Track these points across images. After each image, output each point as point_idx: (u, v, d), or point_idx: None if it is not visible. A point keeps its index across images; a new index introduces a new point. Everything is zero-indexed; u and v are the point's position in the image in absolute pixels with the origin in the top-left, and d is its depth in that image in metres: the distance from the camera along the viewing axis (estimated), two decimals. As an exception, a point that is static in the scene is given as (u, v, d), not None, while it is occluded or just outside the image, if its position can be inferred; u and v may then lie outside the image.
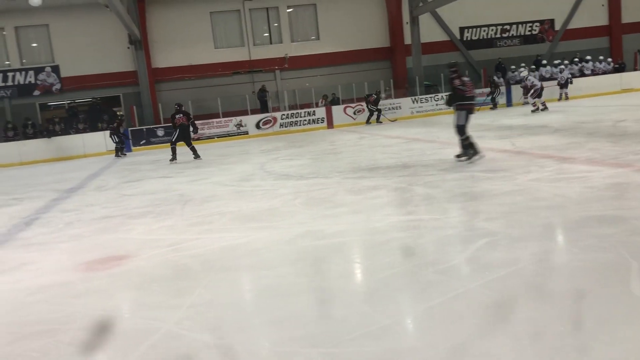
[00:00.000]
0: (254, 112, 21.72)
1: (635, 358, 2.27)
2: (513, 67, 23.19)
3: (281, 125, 21.03)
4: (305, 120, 21.06)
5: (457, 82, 7.92)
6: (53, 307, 3.59)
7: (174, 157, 13.37)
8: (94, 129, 20.56)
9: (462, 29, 26.01)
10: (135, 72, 22.18)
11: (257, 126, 20.83)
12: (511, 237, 4.05)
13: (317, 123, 21.13)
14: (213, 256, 4.42)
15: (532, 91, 17.82)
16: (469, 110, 8.05)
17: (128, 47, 22.00)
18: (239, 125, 20.64)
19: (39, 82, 21.81)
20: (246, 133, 20.64)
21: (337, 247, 4.40)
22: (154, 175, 10.93)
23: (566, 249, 3.86)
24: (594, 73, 23.97)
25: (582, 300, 2.84)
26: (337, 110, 21.42)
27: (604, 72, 24.00)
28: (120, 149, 17.84)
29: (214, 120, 20.60)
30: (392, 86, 23.89)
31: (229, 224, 5.61)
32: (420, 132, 14.92)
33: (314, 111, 21.32)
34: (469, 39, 26.17)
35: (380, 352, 2.48)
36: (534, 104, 17.81)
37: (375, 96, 20.92)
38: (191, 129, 13.64)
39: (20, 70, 21.74)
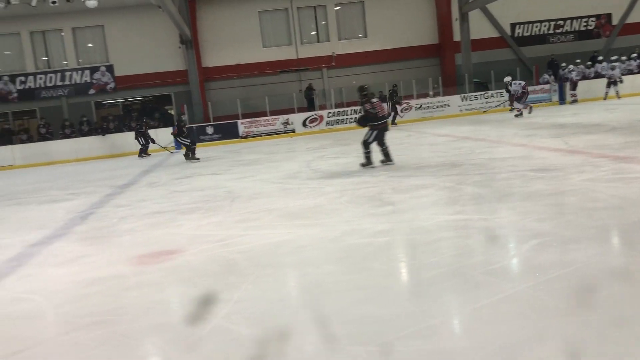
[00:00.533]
0: (300, 110, 21.86)
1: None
2: (564, 64, 22.49)
3: (327, 123, 21.08)
4: (352, 118, 21.03)
5: (367, 106, 9.02)
6: (107, 299, 3.72)
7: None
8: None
9: (513, 25, 25.41)
10: (185, 71, 22.67)
11: (304, 124, 20.94)
12: (564, 238, 3.94)
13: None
14: (259, 252, 4.48)
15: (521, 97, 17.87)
16: (383, 129, 9.08)
17: (179, 47, 22.51)
18: (286, 123, 20.81)
19: (94, 81, 22.59)
20: (293, 131, 20.79)
21: (382, 245, 4.38)
22: (203, 172, 11.15)
23: (623, 251, 3.72)
24: (655, 69, 22.98)
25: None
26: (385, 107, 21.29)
27: (665, 68, 22.98)
28: (145, 150, 18.25)
29: (262, 118, 20.84)
30: (440, 84, 23.58)
31: (275, 221, 5.67)
32: (469, 130, 14.67)
33: (360, 109, 21.27)
34: (520, 35, 25.54)
35: (426, 352, 2.46)
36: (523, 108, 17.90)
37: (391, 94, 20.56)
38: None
39: (76, 69, 22.57)
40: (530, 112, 17.76)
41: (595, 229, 4.15)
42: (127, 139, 19.92)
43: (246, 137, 20.40)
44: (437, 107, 21.59)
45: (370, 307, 3.08)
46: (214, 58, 23.09)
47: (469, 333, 2.71)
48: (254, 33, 23.51)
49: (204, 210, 6.66)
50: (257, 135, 20.42)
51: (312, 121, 21.00)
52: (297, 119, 21.00)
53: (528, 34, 25.62)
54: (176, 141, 15.81)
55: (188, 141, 14.65)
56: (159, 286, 3.92)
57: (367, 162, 9.00)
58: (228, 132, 20.39)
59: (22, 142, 20.77)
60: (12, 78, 22.04)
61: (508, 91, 18.48)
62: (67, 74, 22.48)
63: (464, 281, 3.34)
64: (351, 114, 21.11)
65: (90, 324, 3.27)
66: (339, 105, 22.59)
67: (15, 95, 22.15)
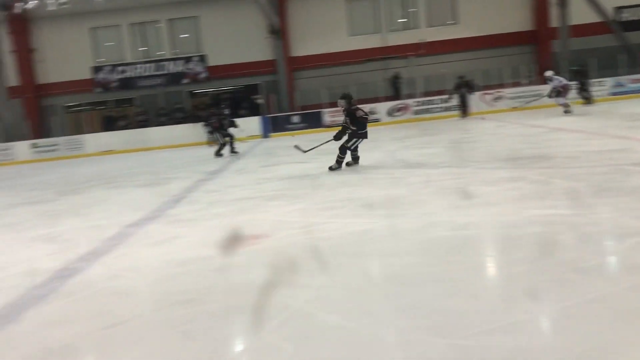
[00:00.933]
0: (386, 99, 21.66)
1: None
2: None
3: (414, 112, 20.76)
4: (439, 107, 20.59)
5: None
6: (196, 279, 3.90)
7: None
8: (235, 115, 21.80)
9: (618, 9, 23.73)
10: (273, 61, 23.11)
11: (389, 113, 20.75)
12: (666, 238, 3.67)
13: (452, 110, 20.54)
14: (342, 241, 4.51)
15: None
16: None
17: (267, 37, 22.96)
18: (371, 112, 20.71)
19: (187, 71, 23.55)
20: (378, 120, 20.66)
21: (467, 239, 4.28)
22: (289, 161, 11.36)
23: None
24: None
25: None
26: (473, 97, 20.66)
27: None
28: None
29: (347, 107, 20.87)
30: (535, 72, 22.51)
31: (357, 210, 5.68)
32: (565, 121, 13.93)
33: (448, 98, 20.76)
34: (627, 19, 23.81)
35: (509, 349, 2.39)
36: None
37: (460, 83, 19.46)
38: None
39: (171, 59, 23.62)
40: (566, 112, 15.72)
41: None
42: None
43: (331, 126, 20.53)
44: (531, 96, 20.65)
45: (452, 301, 3.02)
46: (301, 48, 23.36)
47: (555, 333, 2.60)
48: (342, 22, 23.53)
49: (289, 197, 6.79)
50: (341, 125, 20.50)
51: (397, 110, 20.77)
52: (382, 108, 20.84)
53: (636, 17, 23.83)
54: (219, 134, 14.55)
55: (226, 138, 14.26)
56: (244, 269, 4.05)
57: (339, 167, 8.84)
58: (313, 121, 20.60)
59: (121, 128, 22.10)
60: (113, 68, 23.43)
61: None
62: (163, 64, 23.59)
63: (551, 279, 3.20)
64: (439, 103, 20.67)
65: (179, 302, 3.45)
66: (426, 94, 22.18)
67: (116, 84, 23.54)
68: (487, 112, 20.10)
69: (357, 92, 21.57)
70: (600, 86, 20.18)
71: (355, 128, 8.86)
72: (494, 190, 6.01)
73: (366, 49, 23.34)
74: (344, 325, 2.84)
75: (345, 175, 8.27)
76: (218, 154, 13.99)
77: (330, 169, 8.79)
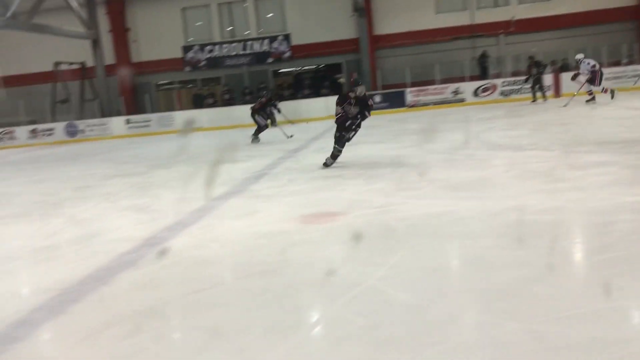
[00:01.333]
0: (472, 79, 20.98)
1: None
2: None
3: (501, 93, 19.99)
4: (529, 88, 19.66)
5: (371, 101, 8.10)
6: (275, 252, 4.03)
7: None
8: (317, 94, 21.94)
9: None
10: (356, 39, 22.95)
11: (475, 93, 20.10)
12: None
13: (541, 92, 19.58)
14: (418, 221, 4.49)
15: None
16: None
17: (351, 15, 22.80)
18: (456, 92, 20.17)
19: (272, 50, 23.89)
20: (463, 100, 20.09)
21: (550, 224, 4.12)
22: (368, 141, 11.33)
23: None
24: None
25: None
26: (566, 77, 19.56)
27: None
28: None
29: (430, 87, 20.44)
30: (637, 51, 20.97)
31: (437, 192, 5.61)
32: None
33: (525, 81, 19.80)
34: None
35: (585, 338, 2.31)
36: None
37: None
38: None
39: (257, 39, 24.05)
40: (612, 97, 14.14)
41: None
42: (300, 106, 20.83)
43: (413, 106, 20.21)
44: (632, 77, 19.27)
45: (530, 285, 2.95)
46: (385, 26, 23.01)
47: (636, 324, 2.48)
48: (428, -1, 22.95)
49: (367, 177, 6.81)
50: (425, 105, 20.10)
51: (484, 90, 20.07)
52: (468, 87, 20.20)
53: None
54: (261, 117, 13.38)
55: (265, 121, 13.24)
56: (320, 244, 4.14)
57: (334, 162, 7.82)
58: (395, 101, 20.33)
59: (209, 106, 22.85)
60: (202, 47, 24.17)
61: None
62: (249, 43, 24.06)
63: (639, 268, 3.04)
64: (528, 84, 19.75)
65: (258, 272, 3.58)
66: (515, 73, 21.25)
67: (204, 63, 24.30)
68: (581, 94, 19.02)
69: (442, 72, 21.06)
70: None
71: (367, 116, 7.91)
72: (582, 174, 5.73)
73: (453, 27, 22.60)
74: (416, 303, 2.85)
75: (425, 156, 8.15)
76: (255, 138, 13.03)
77: (325, 165, 7.79)
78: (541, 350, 2.25)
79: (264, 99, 13.67)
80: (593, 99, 14.41)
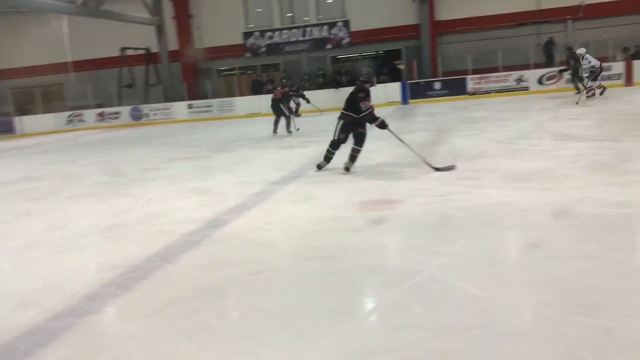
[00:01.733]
0: (537, 66, 20.26)
1: None
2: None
3: (567, 81, 19.21)
4: (571, 79, 18.79)
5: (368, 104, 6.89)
6: (332, 237, 4.06)
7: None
8: (377, 81, 21.77)
9: None
10: (417, 25, 22.57)
11: (540, 82, 19.42)
12: None
13: (613, 79, 18.70)
14: (479, 210, 4.41)
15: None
16: None
17: (413, 1, 22.43)
18: (519, 80, 19.54)
19: (331, 36, 23.84)
20: (527, 89, 19.45)
21: (620, 217, 3.96)
22: (428, 128, 11.18)
23: None
24: None
25: None
26: (638, 65, 18.60)
27: None
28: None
29: (493, 74, 19.88)
30: None
31: (498, 181, 5.48)
32: None
33: (610, 66, 18.88)
34: None
35: (658, 337, 2.22)
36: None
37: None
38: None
39: (316, 25, 24.04)
40: (602, 94, 14.07)
41: None
42: (358, 92, 20.70)
43: (474, 93, 19.74)
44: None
45: (598, 280, 2.85)
46: (447, 11, 22.51)
47: None
48: (492, -17, 22.24)
49: (426, 165, 6.71)
50: (486, 92, 19.59)
51: (549, 78, 19.35)
52: (532, 75, 19.52)
53: None
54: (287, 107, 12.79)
55: (287, 112, 12.57)
56: (378, 231, 4.14)
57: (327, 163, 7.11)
58: (455, 88, 19.90)
59: (268, 92, 23.12)
60: (262, 33, 24.40)
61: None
62: (308, 29, 24.09)
63: None
64: (596, 72, 18.88)
65: (316, 257, 3.62)
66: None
67: (264, 49, 24.54)
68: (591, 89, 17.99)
69: (505, 59, 20.44)
70: None
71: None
72: (655, 167, 5.46)
73: (519, 13, 21.83)
74: (476, 293, 2.81)
75: (486, 145, 7.97)
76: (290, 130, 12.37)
77: (320, 168, 7.08)
78: (610, 348, 2.18)
79: (286, 88, 12.93)
80: (593, 94, 14.14)
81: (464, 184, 5.45)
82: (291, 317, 2.72)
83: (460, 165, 6.43)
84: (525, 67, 20.09)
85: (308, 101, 15.99)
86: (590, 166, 5.81)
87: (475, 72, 20.44)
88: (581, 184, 5.02)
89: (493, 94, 19.58)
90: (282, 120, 12.57)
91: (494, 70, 20.27)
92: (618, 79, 18.65)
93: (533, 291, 2.80)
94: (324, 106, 19.11)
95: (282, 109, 12.46)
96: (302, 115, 17.68)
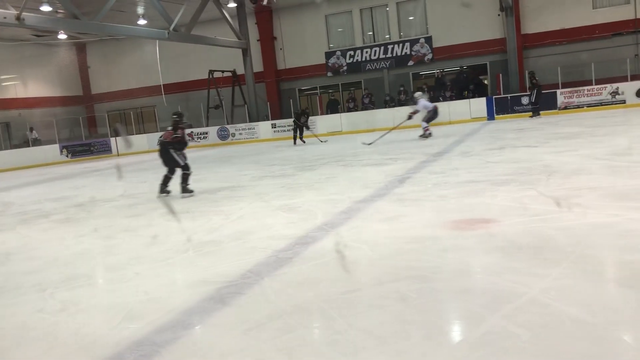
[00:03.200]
0: (634, 78, 19.12)
1: None
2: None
3: (669, 93, 17.97)
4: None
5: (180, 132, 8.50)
6: (424, 257, 3.99)
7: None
8: (459, 97, 21.36)
9: None
10: (503, 39, 22.00)
11: (638, 94, 18.29)
12: None
13: None
14: (580, 231, 4.19)
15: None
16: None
17: (498, 15, 21.92)
18: (615, 93, 18.50)
19: (413, 53, 23.71)
20: (623, 102, 18.38)
21: None
22: (517, 144, 10.80)
23: None
24: None
25: None
26: None
27: None
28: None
29: (585, 87, 18.96)
30: None
31: (599, 200, 5.19)
32: None
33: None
34: None
35: None
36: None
37: None
38: None
39: (398, 42, 24.01)
40: (425, 137, 14.65)
41: None
42: (441, 109, 20.36)
43: (565, 108, 18.89)
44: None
45: None
46: (534, 24, 21.79)
47: None
48: (583, -6, 21.32)
49: (519, 182, 6.48)
50: (578, 106, 18.69)
51: (649, 91, 18.18)
52: (629, 88, 18.43)
53: None
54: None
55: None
56: (473, 251, 4.02)
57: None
58: (545, 103, 19.14)
59: (349, 110, 23.27)
60: (343, 53, 24.69)
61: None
62: (390, 47, 24.11)
63: None
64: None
65: (408, 277, 3.57)
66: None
67: (345, 68, 24.80)
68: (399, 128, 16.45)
69: (599, 70, 19.45)
70: None
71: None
72: None
73: (613, 22, 20.76)
74: (584, 319, 2.65)
75: (583, 162, 7.58)
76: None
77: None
78: None
79: (180, 131, 8.64)
80: (429, 134, 14.81)
81: (561, 203, 5.19)
82: (389, 338, 2.68)
83: (555, 183, 6.15)
84: (622, 79, 19.02)
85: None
86: (703, 184, 5.39)
87: (565, 85, 19.60)
88: (695, 204, 4.65)
89: (585, 108, 18.66)
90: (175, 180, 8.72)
91: (587, 83, 19.33)
92: None
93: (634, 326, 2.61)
94: (405, 123, 18.96)
95: (175, 158, 8.47)
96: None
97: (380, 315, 2.99)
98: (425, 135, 14.78)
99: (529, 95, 18.42)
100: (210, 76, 23.82)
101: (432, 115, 14.84)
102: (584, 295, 2.97)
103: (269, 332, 2.90)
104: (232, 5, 22.29)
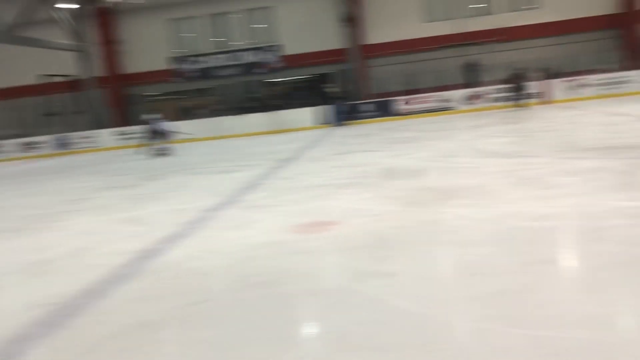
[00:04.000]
0: (462, 86, 21.16)
1: None
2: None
3: (491, 100, 20.15)
4: (517, 95, 19.82)
5: None
6: (272, 262, 4.03)
7: None
8: (306, 104, 22.00)
9: None
10: (346, 49, 23.08)
11: (465, 101, 20.27)
12: None
13: (532, 98, 19.77)
14: (413, 229, 4.51)
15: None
16: None
17: (342, 25, 22.94)
18: (445, 100, 20.32)
19: (263, 61, 23.96)
20: (453, 109, 20.24)
21: (546, 230, 4.16)
22: (358, 150, 11.37)
23: None
24: None
25: None
26: (553, 84, 19.80)
27: None
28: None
29: (420, 95, 20.57)
30: (622, 58, 21.25)
31: (432, 200, 5.63)
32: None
33: (528, 85, 19.97)
34: None
35: (584, 342, 2.35)
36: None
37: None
38: None
39: (247, 50, 24.11)
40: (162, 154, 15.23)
41: None
42: (289, 116, 20.81)
43: (403, 114, 20.33)
44: (617, 83, 19.53)
45: (528, 292, 2.97)
46: (375, 35, 23.17)
47: (637, 327, 2.51)
48: (417, 8, 23.13)
49: (361, 185, 6.83)
50: (415, 113, 20.22)
51: (473, 98, 20.25)
52: (457, 95, 20.39)
53: None
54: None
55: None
56: (317, 253, 4.14)
57: None
58: (385, 109, 20.45)
59: (197, 117, 22.87)
60: (192, 58, 24.20)
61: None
62: (239, 54, 24.13)
63: (636, 272, 3.08)
64: (517, 91, 19.93)
65: (255, 284, 3.58)
66: (504, 81, 21.43)
67: (194, 74, 24.31)
68: (569, 100, 19.22)
69: (432, 80, 21.19)
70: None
71: None
72: (575, 180, 5.79)
73: (442, 36, 22.81)
74: (414, 311, 2.86)
75: (426, 163, 8.19)
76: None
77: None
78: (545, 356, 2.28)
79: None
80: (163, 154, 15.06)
81: (398, 203, 5.55)
82: (235, 348, 2.66)
83: (393, 185, 6.57)
84: (451, 87, 20.94)
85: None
86: (517, 181, 6.07)
87: (404, 93, 21.09)
88: (510, 199, 5.24)
89: (421, 114, 20.22)
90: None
91: (423, 91, 20.99)
92: (537, 97, 19.75)
93: (470, 307, 2.88)
94: (254, 130, 19.12)
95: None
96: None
97: (226, 325, 2.96)
98: (162, 152, 15.03)
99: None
100: (43, 81, 21.94)
101: (161, 135, 15.19)
102: (413, 288, 3.20)
103: (106, 354, 2.73)
104: (65, 5, 20.75)
